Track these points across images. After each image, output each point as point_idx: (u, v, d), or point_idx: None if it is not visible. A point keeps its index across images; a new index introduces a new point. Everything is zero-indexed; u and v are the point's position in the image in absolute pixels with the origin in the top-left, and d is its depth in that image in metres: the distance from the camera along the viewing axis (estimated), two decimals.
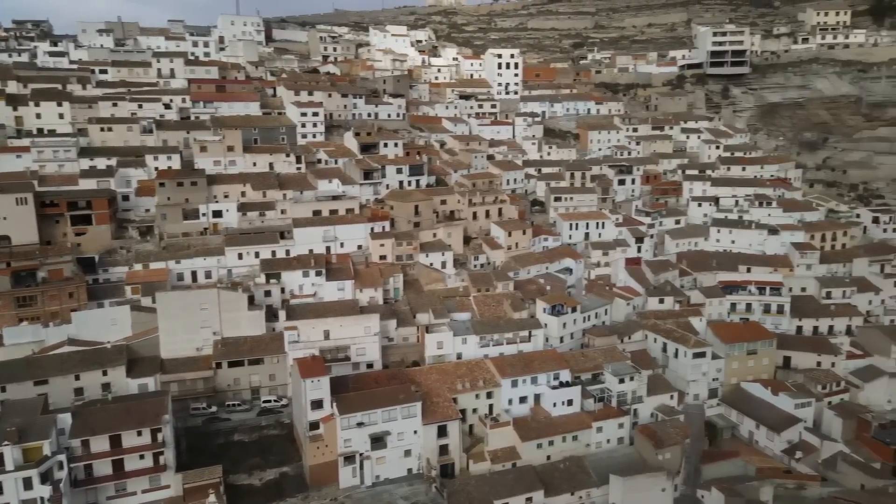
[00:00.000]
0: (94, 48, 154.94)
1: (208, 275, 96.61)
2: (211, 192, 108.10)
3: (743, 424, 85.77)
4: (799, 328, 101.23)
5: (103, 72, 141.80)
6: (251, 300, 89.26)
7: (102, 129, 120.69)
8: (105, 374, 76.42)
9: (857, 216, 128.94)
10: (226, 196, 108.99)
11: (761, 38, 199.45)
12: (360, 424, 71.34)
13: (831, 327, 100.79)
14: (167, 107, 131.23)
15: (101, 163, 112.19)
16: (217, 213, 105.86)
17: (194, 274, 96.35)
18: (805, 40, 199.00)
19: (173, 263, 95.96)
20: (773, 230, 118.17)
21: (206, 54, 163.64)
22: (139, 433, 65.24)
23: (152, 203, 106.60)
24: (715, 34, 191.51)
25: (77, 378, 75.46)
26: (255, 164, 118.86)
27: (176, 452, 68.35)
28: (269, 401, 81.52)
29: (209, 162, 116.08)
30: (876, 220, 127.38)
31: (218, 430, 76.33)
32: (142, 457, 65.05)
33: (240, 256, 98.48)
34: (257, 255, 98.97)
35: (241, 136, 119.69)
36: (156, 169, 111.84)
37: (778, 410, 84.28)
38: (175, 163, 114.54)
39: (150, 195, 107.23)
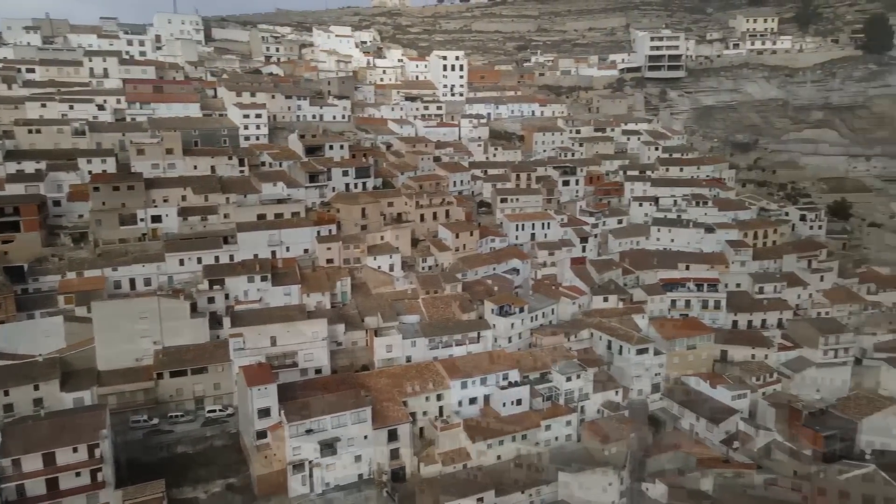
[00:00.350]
0: (21, 46, 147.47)
1: (148, 282, 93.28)
2: (149, 196, 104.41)
3: (684, 417, 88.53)
4: (734, 322, 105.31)
5: (30, 71, 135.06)
6: (194, 307, 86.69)
7: (30, 131, 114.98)
8: (37, 388, 72.77)
9: (786, 214, 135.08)
10: (165, 200, 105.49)
11: (695, 43, 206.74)
12: (308, 431, 70.20)
13: (764, 321, 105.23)
14: (101, 108, 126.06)
15: (30, 166, 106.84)
16: (156, 219, 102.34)
17: (132, 281, 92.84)
18: (736, 46, 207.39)
19: (110, 271, 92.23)
20: (710, 229, 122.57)
21: (142, 53, 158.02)
22: (75, 450, 62.44)
23: (86, 208, 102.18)
24: (652, 39, 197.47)
25: (6, 394, 71.58)
26: (196, 168, 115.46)
27: (115, 468, 65.69)
28: (214, 410, 79.31)
29: (147, 165, 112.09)
30: (803, 218, 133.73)
31: (160, 442, 73.78)
32: (78, 474, 62.28)
33: (181, 262, 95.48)
34: (199, 260, 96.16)
35: (180, 139, 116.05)
36: (89, 173, 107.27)
37: (716, 402, 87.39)
38: (110, 166, 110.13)
39: (83, 200, 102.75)
